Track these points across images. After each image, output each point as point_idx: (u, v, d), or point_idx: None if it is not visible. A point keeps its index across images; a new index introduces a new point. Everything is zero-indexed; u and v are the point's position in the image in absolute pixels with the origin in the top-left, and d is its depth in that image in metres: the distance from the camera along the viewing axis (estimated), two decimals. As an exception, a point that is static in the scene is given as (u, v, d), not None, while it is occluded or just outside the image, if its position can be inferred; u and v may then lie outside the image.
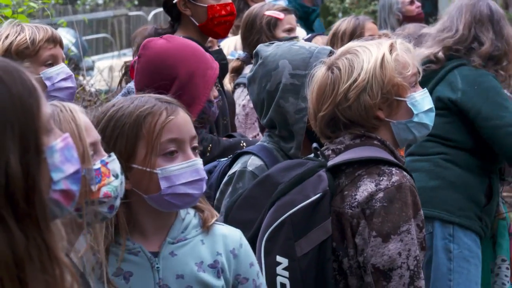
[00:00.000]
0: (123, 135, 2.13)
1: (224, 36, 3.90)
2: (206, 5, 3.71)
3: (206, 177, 2.20)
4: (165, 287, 2.16)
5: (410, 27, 4.59)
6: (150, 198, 2.14)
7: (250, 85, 2.89)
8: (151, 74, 2.95)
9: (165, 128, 2.13)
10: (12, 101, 1.22)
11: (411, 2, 5.85)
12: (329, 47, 2.87)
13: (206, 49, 3.47)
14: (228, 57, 4.51)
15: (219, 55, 4.27)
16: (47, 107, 1.28)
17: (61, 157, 1.28)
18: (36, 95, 1.26)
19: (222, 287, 2.19)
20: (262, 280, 2.30)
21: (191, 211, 2.23)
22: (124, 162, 2.07)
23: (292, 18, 4.35)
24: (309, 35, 4.74)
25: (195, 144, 2.18)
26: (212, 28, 3.74)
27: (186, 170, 2.13)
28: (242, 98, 4.19)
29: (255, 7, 4.43)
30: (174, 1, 3.76)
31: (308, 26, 5.57)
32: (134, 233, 2.17)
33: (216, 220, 2.25)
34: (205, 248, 2.20)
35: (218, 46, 4.55)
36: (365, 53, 2.53)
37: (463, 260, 3.70)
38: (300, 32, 5.42)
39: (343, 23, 4.59)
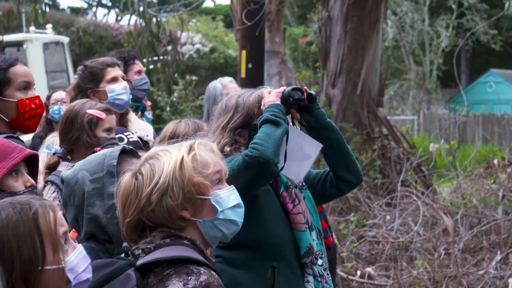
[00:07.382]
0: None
1: (35, 129, 3.82)
2: (16, 100, 3.63)
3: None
4: None
5: None
6: None
7: (67, 210, 2.89)
8: None
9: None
10: None
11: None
12: (119, 147, 2.88)
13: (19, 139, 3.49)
14: (44, 150, 4.44)
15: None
16: None
17: None
18: None
19: None
20: None
21: None
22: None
23: (112, 118, 4.37)
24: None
25: None
26: (23, 122, 3.67)
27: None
28: (48, 195, 4.13)
29: (76, 103, 4.39)
30: None
31: None
32: None
33: None
34: None
35: None
36: (166, 156, 2.59)
37: None
38: (148, 127, 5.47)
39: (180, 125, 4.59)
